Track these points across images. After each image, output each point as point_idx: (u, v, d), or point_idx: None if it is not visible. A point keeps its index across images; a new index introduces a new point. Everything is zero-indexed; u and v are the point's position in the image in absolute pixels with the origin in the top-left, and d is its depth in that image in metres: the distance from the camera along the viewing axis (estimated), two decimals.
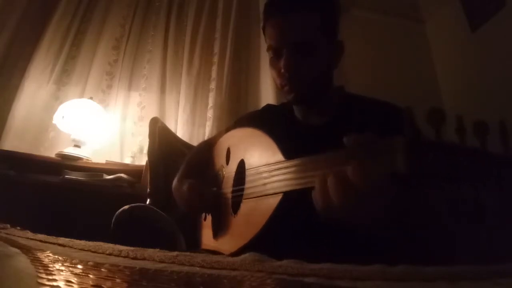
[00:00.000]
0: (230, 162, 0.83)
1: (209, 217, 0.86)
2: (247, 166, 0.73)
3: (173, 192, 0.90)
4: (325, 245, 0.63)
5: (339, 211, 0.46)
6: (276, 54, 0.77)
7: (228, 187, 0.79)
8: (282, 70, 0.74)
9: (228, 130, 0.98)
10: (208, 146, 0.99)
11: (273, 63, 0.78)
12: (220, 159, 0.89)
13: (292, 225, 0.65)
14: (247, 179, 0.71)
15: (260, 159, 0.69)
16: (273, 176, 0.62)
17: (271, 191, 0.61)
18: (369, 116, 0.75)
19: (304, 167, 0.55)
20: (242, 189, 0.71)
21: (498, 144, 0.37)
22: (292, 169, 0.57)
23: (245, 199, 0.70)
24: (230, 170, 0.81)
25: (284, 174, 0.59)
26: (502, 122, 0.37)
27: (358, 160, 0.44)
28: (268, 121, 0.88)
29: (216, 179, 0.87)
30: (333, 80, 0.83)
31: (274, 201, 0.59)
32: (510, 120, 0.39)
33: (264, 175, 0.64)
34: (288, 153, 0.62)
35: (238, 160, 0.78)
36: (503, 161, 0.36)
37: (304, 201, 0.50)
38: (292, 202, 0.57)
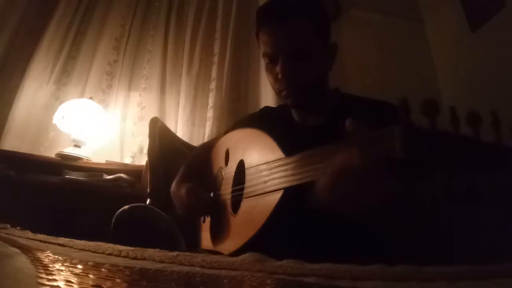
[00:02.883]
0: (229, 163, 0.83)
1: (208, 219, 0.86)
2: (246, 166, 0.74)
3: (172, 196, 0.90)
4: (325, 240, 0.63)
5: (336, 199, 0.48)
6: (272, 60, 0.77)
7: (227, 188, 0.79)
8: (279, 76, 0.75)
9: (226, 132, 0.98)
10: (207, 149, 0.99)
11: (269, 69, 0.79)
12: (219, 161, 0.89)
13: (293, 221, 0.65)
14: (247, 178, 0.71)
15: (259, 158, 0.69)
16: (273, 173, 0.62)
17: (272, 188, 0.61)
18: (365, 115, 0.76)
19: (304, 162, 0.55)
20: (242, 188, 0.71)
21: (490, 134, 0.39)
22: (292, 165, 0.58)
23: (246, 198, 0.70)
24: (229, 171, 0.81)
25: (284, 170, 0.59)
26: (494, 112, 0.39)
27: (357, 147, 0.45)
28: (266, 123, 0.88)
29: (215, 181, 0.87)
30: (328, 82, 0.84)
31: (275, 197, 0.60)
32: (507, 117, 0.39)
33: (264, 173, 0.65)
34: (288, 151, 0.62)
35: (237, 161, 0.78)
36: (495, 148, 0.38)
37: (304, 197, 0.51)
38: (293, 198, 0.57)
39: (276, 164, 0.62)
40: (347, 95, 0.88)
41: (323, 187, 0.48)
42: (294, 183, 0.56)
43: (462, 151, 0.38)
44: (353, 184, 0.46)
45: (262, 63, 1.97)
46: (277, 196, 0.59)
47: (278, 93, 0.80)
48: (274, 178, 0.61)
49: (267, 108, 1.06)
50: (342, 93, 0.88)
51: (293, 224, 0.66)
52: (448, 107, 0.39)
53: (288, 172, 0.58)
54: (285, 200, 0.59)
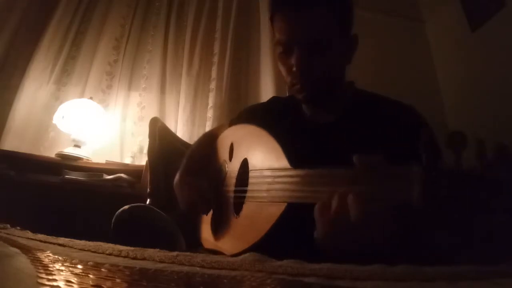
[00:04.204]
0: (233, 159, 0.82)
1: (210, 212, 0.86)
2: (250, 167, 0.72)
3: (175, 189, 0.89)
4: (326, 256, 0.62)
5: (334, 238, 0.46)
6: (286, 50, 0.71)
7: (230, 185, 0.79)
8: (294, 69, 0.69)
9: (231, 123, 0.95)
10: (211, 139, 0.96)
11: (283, 59, 0.72)
12: (223, 154, 0.87)
13: (295, 235, 0.64)
14: (250, 180, 0.70)
15: (263, 162, 0.68)
16: (277, 183, 0.60)
17: (275, 199, 0.59)
18: (381, 116, 0.71)
19: (309, 180, 0.53)
20: (245, 191, 0.71)
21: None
22: (297, 179, 0.56)
23: (248, 201, 0.69)
24: (233, 168, 0.81)
25: (288, 183, 0.57)
26: None
27: (360, 189, 0.41)
28: (273, 116, 0.85)
29: (218, 174, 0.86)
30: (345, 76, 0.78)
31: (278, 209, 0.58)
32: (506, 113, 0.38)
33: (268, 180, 0.63)
34: (293, 155, 0.60)
35: (241, 159, 0.77)
36: None
37: (307, 214, 0.50)
38: (296, 214, 0.56)
39: (281, 173, 0.60)
40: (362, 91, 0.82)
41: (322, 226, 0.46)
42: (297, 200, 0.54)
43: (489, 195, 0.34)
44: (354, 228, 0.43)
45: (262, 63, 1.99)
46: (280, 208, 0.58)
47: (290, 86, 0.74)
48: (278, 189, 0.59)
49: (275, 98, 1.00)
50: (358, 89, 0.82)
51: (295, 238, 0.65)
52: (475, 139, 0.35)
53: (293, 187, 0.56)
54: (288, 214, 0.57)
